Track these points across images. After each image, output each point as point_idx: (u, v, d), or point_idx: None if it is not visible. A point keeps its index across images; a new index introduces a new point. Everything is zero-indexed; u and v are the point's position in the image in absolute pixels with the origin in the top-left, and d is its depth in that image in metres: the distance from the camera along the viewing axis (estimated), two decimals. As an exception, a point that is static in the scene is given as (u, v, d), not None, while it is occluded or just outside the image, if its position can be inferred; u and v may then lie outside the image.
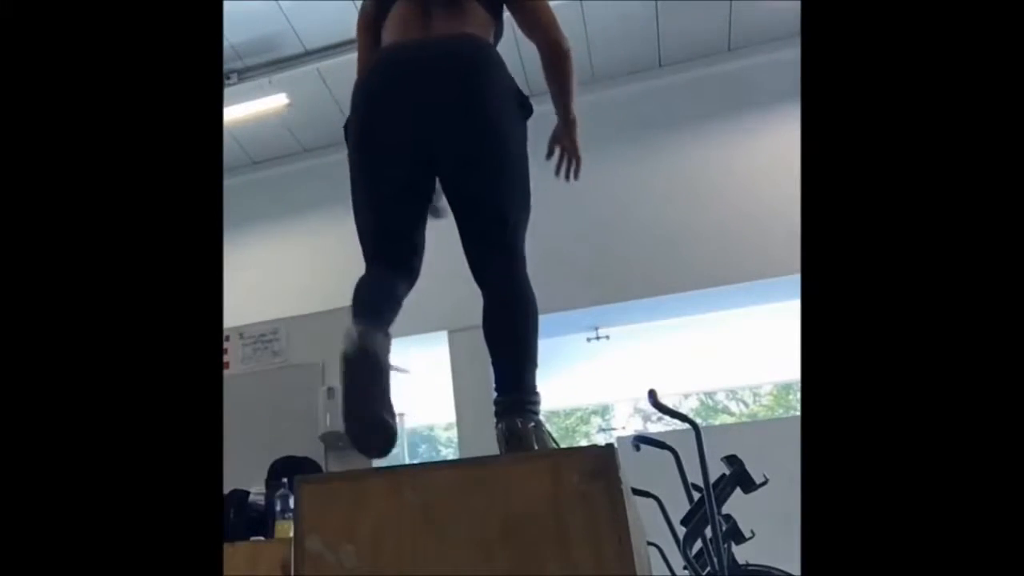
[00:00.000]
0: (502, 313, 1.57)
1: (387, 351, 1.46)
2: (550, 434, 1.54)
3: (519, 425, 1.46)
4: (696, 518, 2.70)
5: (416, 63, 1.62)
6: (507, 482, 1.30)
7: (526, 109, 1.73)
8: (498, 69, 1.67)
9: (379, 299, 1.54)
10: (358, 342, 1.40)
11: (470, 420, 4.68)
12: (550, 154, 1.93)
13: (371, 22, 1.81)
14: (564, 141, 1.94)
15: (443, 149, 1.60)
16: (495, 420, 1.50)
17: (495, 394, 1.54)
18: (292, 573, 1.33)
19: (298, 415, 3.73)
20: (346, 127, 1.69)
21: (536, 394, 1.54)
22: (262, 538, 2.94)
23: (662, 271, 4.89)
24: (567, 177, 1.92)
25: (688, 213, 4.99)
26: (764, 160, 4.91)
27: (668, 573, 2.98)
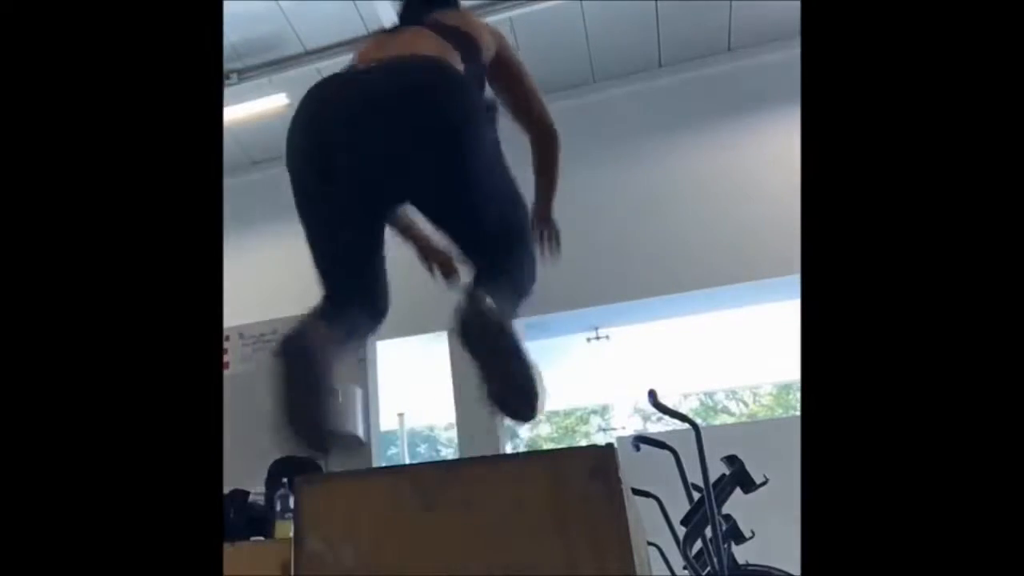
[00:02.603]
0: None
1: (328, 350, 1.38)
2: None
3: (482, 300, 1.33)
4: (696, 518, 2.70)
5: (356, 90, 1.51)
6: (507, 482, 1.30)
7: (492, 111, 1.59)
8: (451, 84, 1.48)
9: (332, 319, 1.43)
10: (294, 338, 1.34)
11: (470, 420, 4.68)
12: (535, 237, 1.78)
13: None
14: (545, 226, 1.84)
15: (404, 179, 1.46)
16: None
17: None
18: (292, 573, 1.33)
19: (298, 415, 3.72)
20: (288, 154, 1.58)
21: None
22: (262, 538, 2.93)
23: (662, 271, 4.89)
24: (552, 253, 1.84)
25: (688, 213, 4.99)
26: (764, 160, 4.91)
27: (668, 573, 2.98)
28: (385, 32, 1.73)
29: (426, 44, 1.55)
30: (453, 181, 1.44)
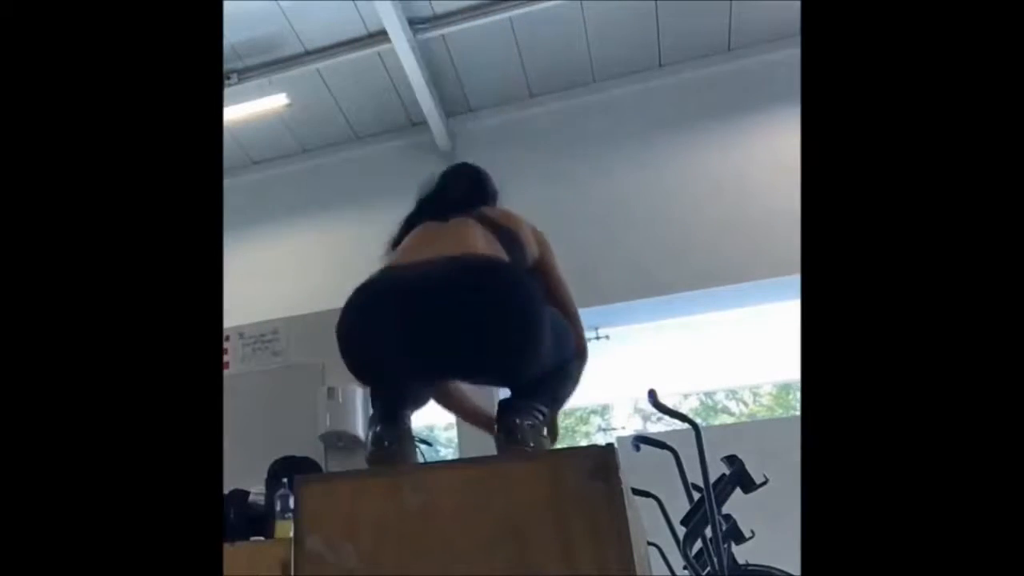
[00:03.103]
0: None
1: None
2: (547, 438, 1.55)
3: (516, 422, 1.46)
4: (696, 518, 2.69)
5: (412, 283, 1.49)
6: (507, 482, 1.30)
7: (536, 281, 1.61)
8: (499, 274, 1.50)
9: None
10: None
11: (470, 420, 4.66)
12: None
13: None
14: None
15: (469, 365, 1.51)
16: (495, 424, 1.51)
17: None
18: (292, 573, 1.33)
19: (298, 415, 3.72)
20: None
21: (543, 408, 1.54)
22: (262, 538, 2.93)
23: (662, 271, 4.89)
24: None
25: (688, 213, 5.00)
26: (764, 160, 4.91)
27: (668, 573, 2.98)
28: (435, 222, 1.67)
29: (476, 242, 1.56)
30: (526, 362, 1.47)
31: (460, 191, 1.77)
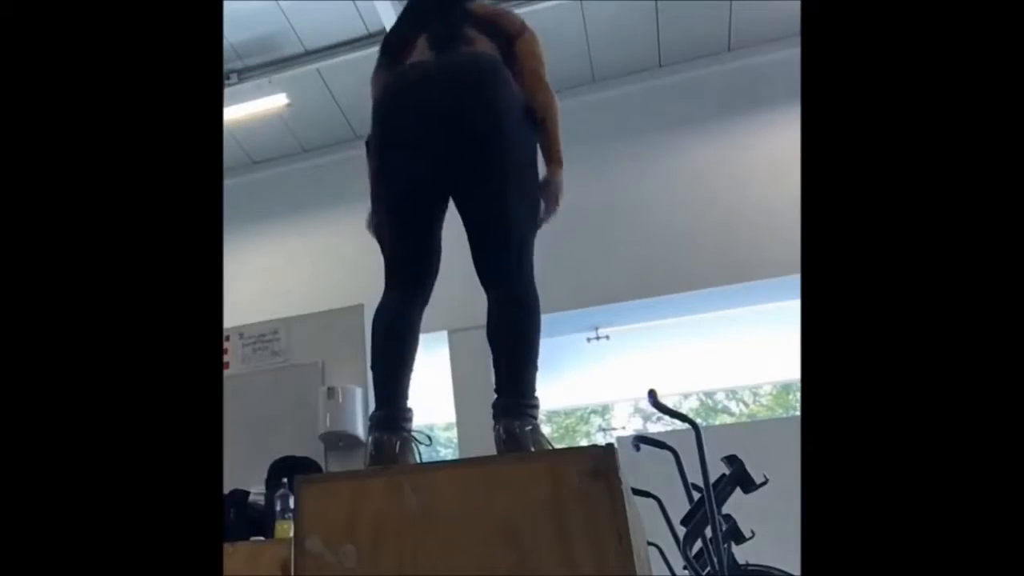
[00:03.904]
0: (506, 315, 1.58)
1: (408, 452, 1.57)
2: (547, 438, 1.55)
3: (516, 428, 1.47)
4: (696, 518, 2.69)
5: (429, 78, 1.69)
6: (507, 482, 1.30)
7: (534, 121, 1.73)
8: (505, 84, 1.69)
9: (397, 365, 1.62)
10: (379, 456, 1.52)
11: (470, 420, 4.68)
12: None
13: (390, 48, 1.87)
14: (548, 190, 1.81)
15: (454, 158, 1.63)
16: (493, 423, 1.51)
17: (495, 395, 1.54)
18: (292, 573, 1.33)
19: (298, 415, 3.72)
20: (367, 143, 1.76)
21: (535, 398, 1.55)
22: (262, 538, 2.93)
23: (662, 271, 4.89)
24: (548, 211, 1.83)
25: (688, 213, 5.00)
26: (764, 160, 4.91)
27: (668, 573, 2.98)
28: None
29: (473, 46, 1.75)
30: (493, 180, 1.62)
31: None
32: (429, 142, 1.64)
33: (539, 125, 1.75)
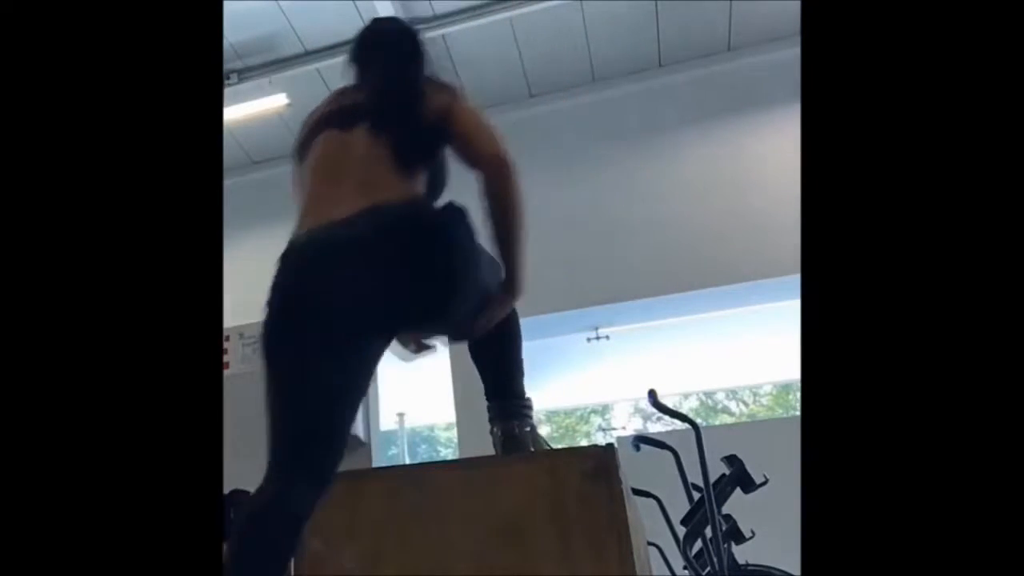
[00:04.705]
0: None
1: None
2: (544, 439, 1.55)
3: (515, 429, 1.47)
4: (696, 518, 2.69)
5: (336, 249, 1.35)
6: (507, 482, 1.30)
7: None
8: (417, 229, 1.36)
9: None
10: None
11: (470, 420, 4.68)
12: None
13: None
14: (495, 317, 1.49)
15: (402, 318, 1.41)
16: (489, 425, 1.51)
17: (487, 400, 1.55)
18: (292, 573, 1.33)
19: (298, 415, 3.72)
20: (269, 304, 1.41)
21: (528, 399, 1.55)
22: (262, 538, 2.93)
23: (662, 271, 4.89)
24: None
25: (688, 213, 4.99)
26: (764, 160, 4.91)
27: (668, 573, 2.98)
28: (336, 131, 1.49)
29: (384, 180, 1.40)
30: (453, 312, 1.37)
31: (372, 88, 1.54)
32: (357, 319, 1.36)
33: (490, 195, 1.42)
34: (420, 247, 1.33)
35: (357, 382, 1.37)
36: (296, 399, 1.31)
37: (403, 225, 1.35)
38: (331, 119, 1.53)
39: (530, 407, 1.54)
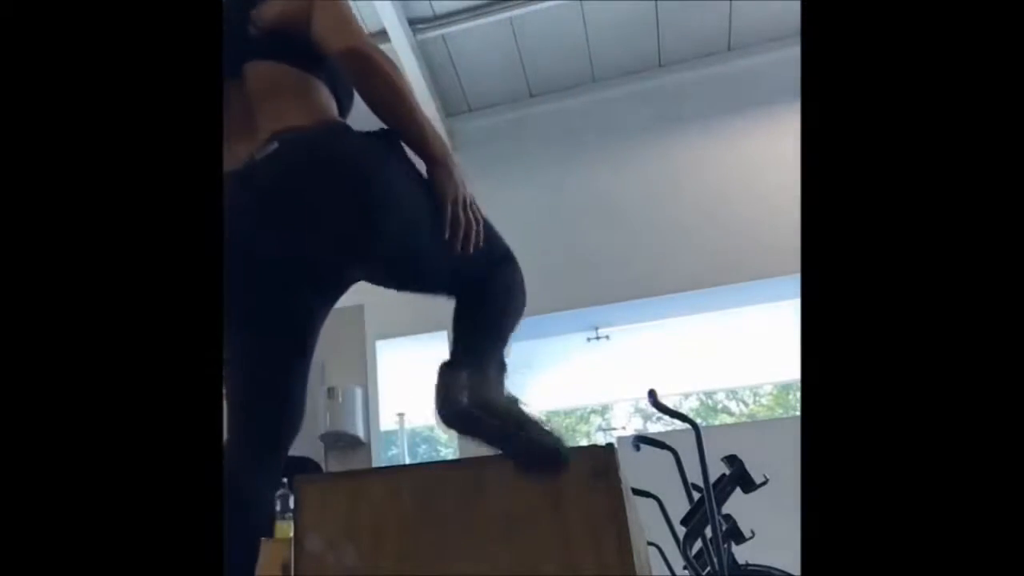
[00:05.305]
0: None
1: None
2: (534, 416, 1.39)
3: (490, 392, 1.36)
4: (696, 518, 2.70)
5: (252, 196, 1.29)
6: (507, 482, 1.30)
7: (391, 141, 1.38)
8: (328, 156, 1.30)
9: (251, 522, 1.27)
10: None
11: (470, 420, 4.66)
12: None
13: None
14: (447, 202, 1.36)
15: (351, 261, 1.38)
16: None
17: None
18: (292, 573, 1.33)
19: (298, 415, 3.72)
20: None
21: (504, 363, 1.45)
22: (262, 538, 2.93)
23: (662, 271, 4.89)
24: (461, 248, 1.38)
25: (688, 213, 5.00)
26: (764, 160, 4.91)
27: (668, 573, 2.99)
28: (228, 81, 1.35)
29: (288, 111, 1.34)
30: (402, 251, 1.34)
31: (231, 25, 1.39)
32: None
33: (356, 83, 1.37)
34: (323, 185, 1.26)
35: (291, 343, 1.38)
36: (234, 366, 1.33)
37: (299, 166, 1.28)
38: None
39: (504, 368, 1.43)
